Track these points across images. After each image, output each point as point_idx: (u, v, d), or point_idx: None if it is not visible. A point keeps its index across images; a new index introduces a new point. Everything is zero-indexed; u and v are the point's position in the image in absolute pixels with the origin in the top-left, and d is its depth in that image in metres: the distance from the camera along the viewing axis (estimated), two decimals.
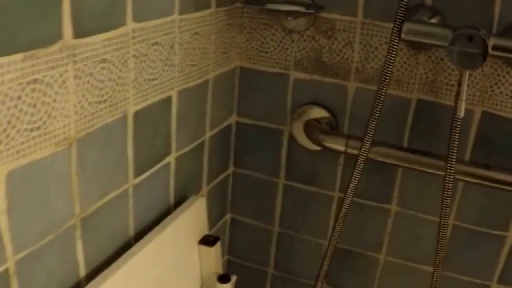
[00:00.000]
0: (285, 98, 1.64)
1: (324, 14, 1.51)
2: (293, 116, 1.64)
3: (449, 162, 1.33)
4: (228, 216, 1.87)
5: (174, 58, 1.30)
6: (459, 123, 1.29)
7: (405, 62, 1.48)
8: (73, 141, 1.03)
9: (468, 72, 1.24)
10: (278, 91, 1.65)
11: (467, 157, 1.51)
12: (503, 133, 1.46)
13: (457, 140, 1.31)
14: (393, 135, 1.56)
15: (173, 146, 1.40)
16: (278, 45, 1.59)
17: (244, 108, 1.71)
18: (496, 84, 1.42)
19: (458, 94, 1.27)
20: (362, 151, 1.40)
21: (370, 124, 1.37)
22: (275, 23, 1.57)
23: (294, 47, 1.58)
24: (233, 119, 1.72)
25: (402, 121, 1.54)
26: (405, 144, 1.56)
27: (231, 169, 1.80)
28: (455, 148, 1.32)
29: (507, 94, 1.42)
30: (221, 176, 1.75)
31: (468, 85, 1.28)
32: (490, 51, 1.23)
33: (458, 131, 1.30)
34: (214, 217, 1.76)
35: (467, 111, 1.42)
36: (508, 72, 1.40)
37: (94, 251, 1.18)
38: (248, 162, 1.78)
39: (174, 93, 1.34)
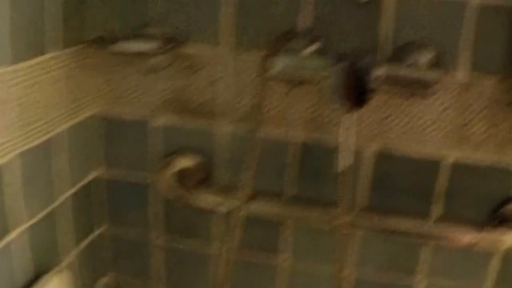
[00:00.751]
0: (151, 146, 1.44)
1: (185, 49, 1.31)
2: (161, 167, 1.43)
3: (340, 216, 1.16)
4: (104, 281, 1.64)
5: (7, 118, 1.08)
6: (345, 175, 1.12)
7: (283, 99, 1.29)
8: None
9: (351, 113, 1.05)
10: (143, 140, 1.43)
11: (364, 201, 1.34)
12: (401, 171, 1.30)
13: (346, 192, 1.13)
14: (275, 183, 1.38)
15: (11, 222, 1.16)
16: (138, 87, 1.38)
17: (106, 161, 1.49)
18: (390, 116, 1.25)
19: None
20: (240, 207, 1.22)
21: (246, 173, 1.19)
22: (133, 62, 1.36)
23: (157, 88, 1.37)
24: (94, 174, 1.49)
25: (285, 166, 1.36)
26: (290, 193, 1.38)
27: (99, 230, 1.57)
28: (345, 201, 1.15)
29: (403, 127, 1.25)
30: (86, 241, 1.51)
31: (356, 120, 1.11)
32: (379, 83, 1.04)
33: (346, 183, 1.12)
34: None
35: (358, 150, 1.26)
36: (403, 102, 1.23)
37: None
38: (118, 221, 1.56)
39: (11, 158, 1.11)
